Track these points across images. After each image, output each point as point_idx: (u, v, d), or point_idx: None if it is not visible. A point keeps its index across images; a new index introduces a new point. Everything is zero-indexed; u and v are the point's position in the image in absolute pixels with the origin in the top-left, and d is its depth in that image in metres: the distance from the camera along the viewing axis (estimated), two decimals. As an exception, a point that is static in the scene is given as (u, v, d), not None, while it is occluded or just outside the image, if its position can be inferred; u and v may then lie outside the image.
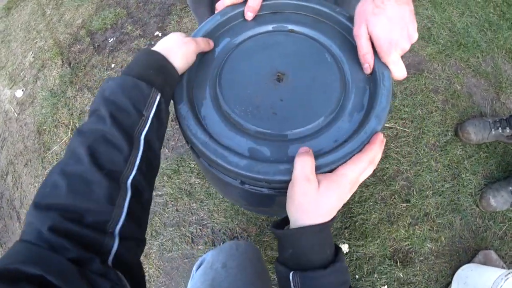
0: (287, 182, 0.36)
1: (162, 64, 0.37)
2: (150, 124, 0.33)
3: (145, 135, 0.33)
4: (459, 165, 0.99)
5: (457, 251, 0.92)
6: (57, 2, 1.50)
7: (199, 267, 0.54)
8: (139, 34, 1.33)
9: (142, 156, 0.32)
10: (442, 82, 1.10)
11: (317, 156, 0.36)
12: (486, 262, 0.89)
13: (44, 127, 1.25)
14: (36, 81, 1.35)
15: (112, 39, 1.36)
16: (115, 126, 0.31)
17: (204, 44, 0.44)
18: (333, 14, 0.48)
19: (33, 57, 1.41)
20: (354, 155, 0.36)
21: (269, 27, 0.50)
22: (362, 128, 0.38)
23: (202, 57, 0.48)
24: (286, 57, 0.46)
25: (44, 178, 0.31)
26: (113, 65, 1.30)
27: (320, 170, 0.36)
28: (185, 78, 0.43)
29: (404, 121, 1.04)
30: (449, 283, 0.88)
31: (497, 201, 0.90)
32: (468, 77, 1.12)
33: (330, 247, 0.33)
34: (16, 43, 1.47)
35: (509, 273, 0.69)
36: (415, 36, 0.38)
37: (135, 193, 0.30)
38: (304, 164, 0.33)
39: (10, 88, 1.38)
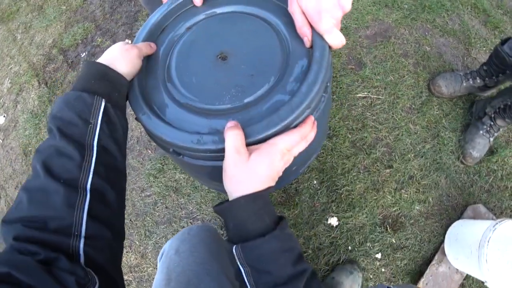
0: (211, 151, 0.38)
1: (104, 72, 0.38)
2: (100, 129, 0.35)
3: (98, 141, 0.34)
4: (438, 125, 0.99)
5: (446, 209, 0.91)
6: (26, 26, 1.52)
7: (160, 258, 0.54)
8: (110, 44, 1.35)
9: (96, 160, 0.33)
10: (411, 45, 1.10)
11: (248, 124, 0.37)
12: (475, 216, 0.88)
13: (30, 148, 1.26)
14: (16, 105, 1.37)
15: (84, 54, 1.37)
16: (64, 138, 0.32)
17: (146, 48, 0.46)
18: None
19: (10, 82, 1.43)
20: (281, 128, 0.37)
21: (206, 13, 0.51)
22: (291, 100, 0.38)
23: (149, 58, 0.49)
24: (228, 37, 0.48)
25: None
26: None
27: (251, 138, 0.37)
28: (136, 85, 0.44)
29: (377, 89, 1.04)
30: (442, 242, 0.88)
31: (478, 150, 0.90)
32: (436, 37, 1.12)
33: (270, 216, 0.34)
34: (-8, 72, 1.48)
35: (496, 224, 0.69)
36: (347, 4, 0.38)
37: (95, 195, 0.32)
38: (233, 137, 0.35)
39: (-8, 116, 1.39)
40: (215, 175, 0.54)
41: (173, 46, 0.49)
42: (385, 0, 1.20)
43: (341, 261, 0.88)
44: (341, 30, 1.13)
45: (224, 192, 0.88)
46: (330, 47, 0.42)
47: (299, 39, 0.44)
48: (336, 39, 0.41)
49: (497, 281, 0.70)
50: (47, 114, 1.29)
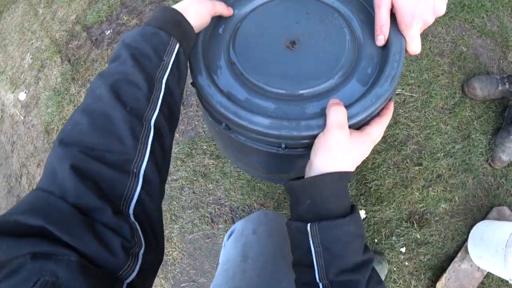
0: (310, 137, 0.37)
1: (178, 19, 0.37)
2: (171, 70, 0.34)
3: (166, 80, 0.33)
4: (469, 126, 1.00)
5: (471, 209, 0.94)
6: (48, 0, 1.47)
7: (229, 236, 0.56)
8: (136, 23, 1.31)
9: (163, 99, 0.32)
10: (447, 45, 1.09)
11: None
12: (500, 218, 0.91)
13: (52, 126, 1.26)
14: (38, 82, 1.35)
15: (109, 31, 1.34)
16: (137, 67, 0.31)
17: (221, 8, 0.44)
18: None
19: (31, 58, 1.40)
20: (366, 117, 0.37)
21: None
22: (369, 93, 0.38)
23: (216, 26, 0.48)
24: (298, 24, 0.46)
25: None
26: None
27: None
28: (200, 47, 0.43)
29: (411, 87, 1.04)
30: (465, 240, 0.90)
31: (507, 154, 0.92)
32: (474, 38, 1.11)
33: (348, 199, 0.34)
34: (12, 46, 1.45)
35: None
36: (441, 9, 0.36)
37: (157, 134, 0.30)
38: (338, 113, 0.34)
39: (13, 92, 1.38)
40: (272, 165, 0.55)
41: (240, 22, 0.48)
42: (424, -5, 1.17)
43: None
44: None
45: (260, 177, 0.88)
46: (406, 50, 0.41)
47: (372, 33, 0.44)
48: (416, 46, 0.39)
49: (523, 280, 0.73)
50: (70, 93, 1.27)
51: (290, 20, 0.47)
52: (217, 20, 0.48)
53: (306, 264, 0.32)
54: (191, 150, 1.08)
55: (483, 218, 0.93)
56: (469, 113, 1.01)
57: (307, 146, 0.40)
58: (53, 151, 0.26)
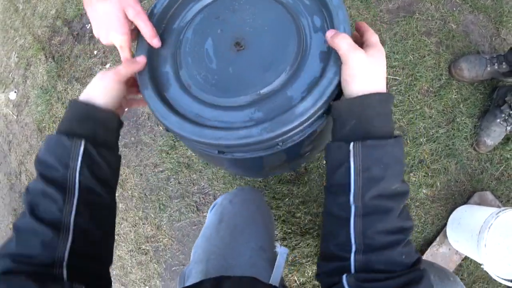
0: (263, 142, 0.38)
1: (85, 111, 0.38)
2: (80, 172, 0.35)
3: (79, 183, 0.35)
4: (454, 109, 0.96)
5: (453, 194, 0.93)
6: (27, -6, 1.45)
7: (212, 208, 0.64)
8: (114, 16, 1.29)
9: (79, 202, 0.35)
10: (436, 23, 1.03)
11: (293, 105, 0.38)
12: (481, 203, 0.90)
13: (43, 124, 1.29)
14: (26, 80, 1.37)
15: (89, 25, 1.32)
16: (47, 183, 0.34)
17: (128, 68, 0.41)
18: None
19: (17, 57, 1.41)
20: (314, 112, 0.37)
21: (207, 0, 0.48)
22: (325, 74, 0.38)
23: (162, 33, 0.47)
24: (241, 22, 0.45)
25: None
26: (95, 52, 1.28)
27: (288, 126, 0.37)
28: (146, 66, 0.43)
29: (394, 69, 1.00)
30: (445, 225, 0.91)
31: (492, 138, 0.89)
32: (465, 13, 1.03)
33: (393, 123, 0.34)
34: (-3, 45, 1.46)
35: (500, 211, 0.71)
36: None
37: (79, 235, 0.34)
38: (345, 39, 0.35)
39: (3, 92, 1.40)
40: (241, 168, 0.56)
41: (183, 32, 0.46)
42: (412, -32, 1.09)
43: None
44: (361, 2, 1.06)
45: (245, 175, 0.92)
46: None
47: (320, 29, 0.43)
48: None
49: (494, 264, 0.74)
50: (57, 90, 1.29)
51: (234, 20, 0.45)
52: (160, 34, 0.47)
53: (343, 184, 0.32)
54: (175, 142, 1.09)
55: (465, 203, 0.92)
56: (455, 95, 0.97)
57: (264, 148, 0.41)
58: None
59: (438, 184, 0.94)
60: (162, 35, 0.47)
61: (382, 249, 0.30)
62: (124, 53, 0.43)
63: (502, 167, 0.92)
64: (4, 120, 1.39)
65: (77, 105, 0.38)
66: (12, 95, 1.38)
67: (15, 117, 1.36)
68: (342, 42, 0.35)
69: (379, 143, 0.31)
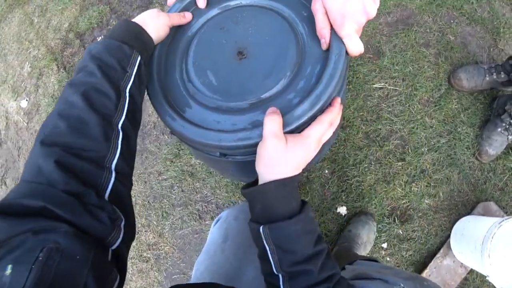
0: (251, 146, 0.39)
1: (138, 31, 0.41)
2: (133, 80, 0.38)
3: (129, 89, 0.37)
4: (455, 119, 0.97)
5: (456, 205, 0.92)
6: (42, 9, 1.53)
7: (216, 223, 0.62)
8: (124, 29, 1.35)
9: (128, 106, 0.36)
10: (434, 34, 1.05)
11: (292, 109, 0.39)
12: (486, 214, 0.89)
13: (52, 132, 1.33)
14: (37, 89, 1.42)
15: (100, 37, 1.38)
16: (105, 78, 0.35)
17: (177, 18, 0.48)
18: None
19: (30, 67, 1.47)
20: (311, 116, 0.38)
21: (216, 11, 0.51)
22: (310, 95, 0.39)
23: (168, 53, 0.50)
24: (243, 32, 0.48)
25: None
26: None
27: (285, 128, 0.38)
28: (154, 70, 0.46)
29: (394, 80, 1.02)
30: (449, 236, 0.89)
31: (494, 147, 0.89)
32: (462, 25, 1.06)
33: (296, 200, 0.36)
34: (12, 56, 1.52)
35: (503, 221, 0.70)
36: (373, 10, 0.38)
37: (125, 135, 0.35)
38: (272, 123, 0.36)
39: (15, 100, 1.45)
40: (242, 170, 0.57)
41: (190, 42, 0.49)
42: (410, -17, 1.13)
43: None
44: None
45: (241, 180, 0.91)
46: (347, 52, 0.41)
47: (317, 39, 0.44)
48: (355, 46, 0.40)
49: (500, 275, 0.72)
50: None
51: (236, 31, 0.48)
52: (169, 43, 0.50)
53: (265, 258, 0.36)
54: (179, 151, 1.11)
55: (469, 213, 0.91)
56: (455, 105, 0.98)
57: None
58: (35, 150, 0.30)
59: (441, 194, 0.93)
60: (171, 43, 0.50)
61: None
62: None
63: (505, 177, 0.91)
64: (15, 127, 1.43)
65: (135, 25, 0.41)
66: (24, 103, 1.43)
67: (26, 124, 1.41)
68: (267, 125, 0.36)
69: (281, 225, 0.35)
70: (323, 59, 0.43)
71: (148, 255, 1.07)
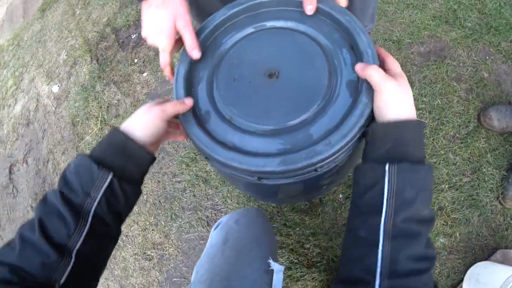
0: (282, 172, 0.39)
1: (123, 144, 0.39)
2: (98, 203, 0.37)
3: (94, 213, 0.37)
4: (481, 159, 0.94)
5: (473, 248, 0.88)
6: (85, 2, 1.61)
7: (216, 228, 0.62)
8: (158, 29, 1.39)
9: (89, 230, 0.36)
10: (467, 69, 1.03)
11: (318, 141, 0.39)
12: (504, 262, 0.84)
13: (78, 119, 1.38)
14: (70, 77, 1.49)
15: (134, 35, 1.44)
16: (65, 203, 0.36)
17: (172, 108, 0.43)
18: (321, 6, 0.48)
19: (66, 55, 1.54)
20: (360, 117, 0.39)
21: (250, 29, 0.51)
22: (351, 115, 0.39)
23: (199, 66, 0.50)
24: (277, 54, 0.48)
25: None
26: (136, 60, 1.38)
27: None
28: (182, 89, 0.47)
29: (421, 112, 1.00)
30: (461, 280, 0.85)
31: (520, 194, 0.85)
32: (498, 63, 1.03)
33: (425, 150, 0.36)
34: (51, 43, 1.61)
35: None
36: None
37: (80, 260, 0.35)
38: (377, 70, 0.37)
39: (48, 84, 1.53)
40: (261, 191, 0.57)
41: (221, 60, 0.50)
42: (447, 15, 1.11)
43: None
44: (393, 43, 1.08)
45: (259, 199, 0.91)
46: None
47: (343, 48, 0.46)
48: None
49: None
50: (95, 90, 1.39)
51: (270, 51, 0.48)
52: (194, 74, 0.50)
53: (375, 205, 0.33)
54: (196, 155, 1.13)
55: (486, 259, 0.87)
56: (483, 144, 0.94)
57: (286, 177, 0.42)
58: None
59: (458, 235, 0.89)
60: (201, 58, 0.50)
61: (408, 275, 0.30)
62: (164, 56, 0.46)
63: (529, 227, 0.87)
64: (44, 109, 1.50)
65: (117, 135, 0.39)
66: (55, 89, 1.50)
67: (54, 109, 1.47)
68: (375, 73, 0.37)
69: (414, 167, 0.32)
70: (355, 85, 0.43)
71: (152, 254, 1.08)
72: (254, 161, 0.39)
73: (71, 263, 0.35)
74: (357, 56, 0.44)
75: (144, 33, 0.46)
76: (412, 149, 0.33)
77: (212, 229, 0.63)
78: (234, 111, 0.45)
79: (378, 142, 0.35)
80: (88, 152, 0.39)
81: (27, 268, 0.33)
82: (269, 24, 0.51)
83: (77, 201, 0.36)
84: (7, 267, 0.32)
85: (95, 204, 0.37)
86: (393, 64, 0.40)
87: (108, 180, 0.37)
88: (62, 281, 0.34)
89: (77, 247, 0.35)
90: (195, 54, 0.47)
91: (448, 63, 1.04)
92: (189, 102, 0.45)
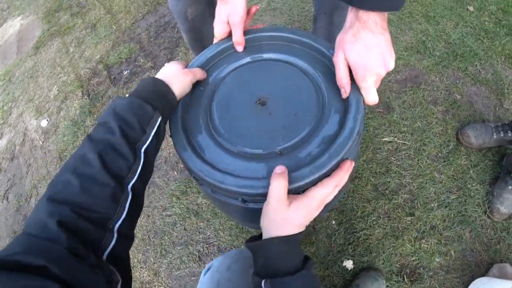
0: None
1: (164, 90, 0.43)
2: (150, 140, 0.39)
3: (145, 149, 0.38)
4: (464, 175, 0.98)
5: (469, 265, 0.88)
6: (79, 41, 1.68)
7: (206, 272, 0.58)
8: (151, 66, 1.45)
9: (142, 167, 0.38)
10: (441, 93, 1.11)
11: (291, 171, 0.40)
12: (501, 276, 0.84)
13: (65, 153, 1.36)
14: (60, 111, 1.49)
15: (126, 72, 1.49)
16: (123, 138, 0.36)
17: (200, 74, 0.51)
18: (309, 41, 0.53)
19: (57, 90, 1.56)
20: (321, 177, 0.40)
21: (248, 59, 0.56)
22: (329, 150, 0.41)
23: (194, 90, 0.53)
24: (267, 83, 0.51)
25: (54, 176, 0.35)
26: (127, 95, 1.41)
27: (292, 184, 0.39)
28: (179, 112, 0.49)
29: (403, 134, 1.05)
30: (463, 300, 0.84)
31: (506, 206, 0.88)
32: (468, 85, 1.12)
33: (299, 257, 0.37)
34: (43, 78, 1.63)
35: None
36: (391, 64, 0.41)
37: (133, 196, 0.36)
38: (278, 186, 0.38)
39: (36, 119, 1.52)
40: (253, 217, 0.57)
41: (215, 88, 0.53)
42: (417, 46, 1.23)
43: (354, 306, 0.86)
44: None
45: (250, 227, 0.88)
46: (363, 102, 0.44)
47: (335, 90, 0.47)
48: (372, 98, 0.44)
49: None
50: (85, 124, 1.39)
51: (259, 80, 0.52)
52: (194, 87, 0.53)
53: None
54: (187, 188, 1.11)
55: (483, 275, 0.87)
56: (464, 161, 0.99)
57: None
58: (42, 205, 0.31)
59: (453, 253, 0.89)
60: (195, 90, 0.53)
61: None
62: (215, 42, 0.55)
63: (520, 240, 0.88)
64: (30, 144, 1.47)
65: (159, 83, 0.43)
66: (44, 123, 1.49)
67: (41, 143, 1.45)
68: (273, 188, 0.37)
69: (283, 280, 0.35)
70: (342, 110, 0.46)
71: (141, 293, 1.01)
72: (244, 183, 0.41)
73: (129, 199, 0.35)
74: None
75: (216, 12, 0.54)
76: (281, 263, 0.36)
77: (202, 273, 0.60)
78: (227, 139, 0.47)
79: (254, 257, 0.38)
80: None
81: (92, 202, 0.32)
82: (266, 55, 0.55)
83: (134, 135, 0.37)
84: (67, 206, 0.30)
85: (148, 141, 0.38)
86: (322, 185, 0.39)
87: (159, 120, 0.40)
88: (121, 219, 0.33)
89: (132, 182, 0.36)
90: (239, 49, 0.55)
91: (424, 88, 1.12)
92: (205, 73, 0.53)
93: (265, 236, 0.38)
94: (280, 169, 0.40)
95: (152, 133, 0.39)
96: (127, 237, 0.35)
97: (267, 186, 0.39)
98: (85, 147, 0.36)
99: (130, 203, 0.35)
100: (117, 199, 0.34)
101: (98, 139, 0.36)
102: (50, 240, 0.28)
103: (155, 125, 0.40)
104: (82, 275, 0.27)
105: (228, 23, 0.52)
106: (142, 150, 0.38)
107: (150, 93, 0.41)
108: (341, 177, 0.40)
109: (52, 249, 0.27)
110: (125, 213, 0.34)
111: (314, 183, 0.40)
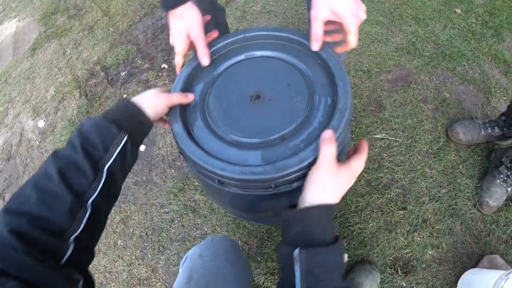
0: (258, 181, 0.42)
1: (134, 112, 0.45)
2: (114, 158, 0.41)
3: (109, 167, 0.40)
4: (454, 170, 1.01)
5: (460, 257, 0.91)
6: (76, 43, 1.69)
7: (183, 263, 0.59)
8: (148, 67, 1.47)
9: (104, 183, 0.39)
10: (431, 91, 1.15)
11: (295, 153, 0.43)
12: (492, 267, 0.87)
13: (62, 154, 1.36)
14: (57, 112, 1.50)
15: (124, 73, 1.50)
16: (85, 155, 0.38)
17: (178, 98, 0.51)
18: (294, 37, 0.56)
19: (54, 91, 1.57)
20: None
21: (242, 57, 0.59)
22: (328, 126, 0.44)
23: (192, 87, 0.56)
24: (261, 78, 0.55)
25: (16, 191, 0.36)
26: (125, 96, 1.43)
27: (297, 166, 0.42)
28: (178, 110, 0.51)
29: (395, 131, 1.08)
30: (455, 290, 0.86)
31: (495, 199, 0.91)
32: (456, 84, 1.16)
33: (333, 230, 0.38)
34: (40, 79, 1.64)
35: (510, 273, 0.69)
36: (364, 7, 0.48)
37: (93, 211, 0.37)
38: (330, 149, 0.39)
39: (33, 119, 1.53)
40: (247, 205, 0.59)
41: (211, 85, 0.56)
42: (407, 47, 1.27)
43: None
44: (364, 73, 1.21)
45: (240, 217, 0.90)
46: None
47: (321, 79, 0.52)
48: (356, 40, 0.48)
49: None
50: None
51: (255, 76, 0.55)
52: (193, 81, 0.56)
53: (291, 283, 0.36)
54: (184, 185, 1.13)
55: (474, 266, 0.89)
56: (454, 157, 1.02)
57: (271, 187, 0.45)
58: (0, 215, 0.33)
59: (444, 245, 0.92)
60: (196, 80, 0.57)
61: None
62: (177, 58, 0.55)
63: (509, 230, 0.91)
64: (27, 144, 1.47)
65: (130, 105, 0.45)
66: (41, 123, 1.50)
67: (38, 143, 1.45)
68: (325, 149, 0.39)
69: (320, 250, 0.35)
70: (330, 108, 0.49)
71: (139, 290, 1.02)
72: (239, 169, 0.43)
73: (87, 214, 0.36)
74: (333, 89, 0.51)
75: (170, 35, 0.54)
76: (317, 233, 0.36)
77: (181, 264, 0.61)
78: (222, 128, 0.50)
79: (288, 225, 0.39)
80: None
81: (49, 216, 0.33)
82: (258, 53, 0.59)
83: (96, 154, 0.39)
84: (25, 218, 0.32)
85: (111, 160, 0.40)
86: (356, 159, 0.42)
87: (124, 140, 0.42)
88: (78, 231, 0.35)
89: (92, 197, 0.37)
90: (205, 61, 0.55)
91: (414, 87, 1.16)
92: (191, 97, 0.53)
93: (305, 204, 0.38)
94: (327, 133, 0.41)
95: (116, 152, 0.41)
96: (86, 250, 0.37)
97: (265, 173, 0.42)
98: (48, 163, 0.38)
99: (88, 217, 0.36)
100: (74, 213, 0.35)
101: (61, 156, 0.38)
102: (6, 247, 0.29)
103: (120, 144, 0.41)
104: (41, 275, 0.29)
105: (187, 37, 0.53)
106: (106, 167, 0.39)
107: (118, 114, 0.43)
108: (366, 152, 0.44)
109: (8, 255, 0.29)
110: (81, 226, 0.35)
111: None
